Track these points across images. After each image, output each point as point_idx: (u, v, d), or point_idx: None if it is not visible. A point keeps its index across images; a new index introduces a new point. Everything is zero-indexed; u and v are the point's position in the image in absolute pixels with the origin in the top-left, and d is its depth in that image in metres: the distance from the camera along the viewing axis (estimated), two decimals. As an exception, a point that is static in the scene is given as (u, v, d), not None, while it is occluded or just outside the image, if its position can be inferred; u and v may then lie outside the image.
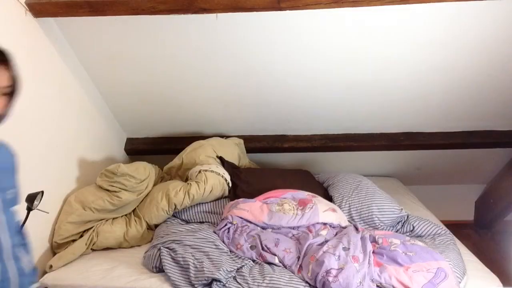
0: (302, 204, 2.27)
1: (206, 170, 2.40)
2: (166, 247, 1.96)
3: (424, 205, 2.71)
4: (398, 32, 2.01)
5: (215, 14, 1.85)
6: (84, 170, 2.38)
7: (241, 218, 2.16)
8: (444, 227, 2.29)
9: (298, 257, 1.92)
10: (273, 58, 2.22)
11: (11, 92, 1.08)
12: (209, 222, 2.33)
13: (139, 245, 2.20)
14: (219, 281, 1.76)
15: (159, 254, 1.92)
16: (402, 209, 2.37)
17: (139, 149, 2.97)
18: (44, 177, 2.01)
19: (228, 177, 2.48)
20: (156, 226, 2.29)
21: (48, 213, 1.96)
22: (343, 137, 2.89)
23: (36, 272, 1.35)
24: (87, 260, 2.05)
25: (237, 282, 1.78)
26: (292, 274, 1.85)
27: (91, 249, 2.13)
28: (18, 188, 1.25)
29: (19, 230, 1.22)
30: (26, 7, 1.86)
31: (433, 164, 3.09)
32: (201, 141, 2.68)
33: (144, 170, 2.40)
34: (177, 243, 1.98)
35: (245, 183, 2.52)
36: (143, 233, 2.23)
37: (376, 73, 2.29)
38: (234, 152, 2.75)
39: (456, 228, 2.50)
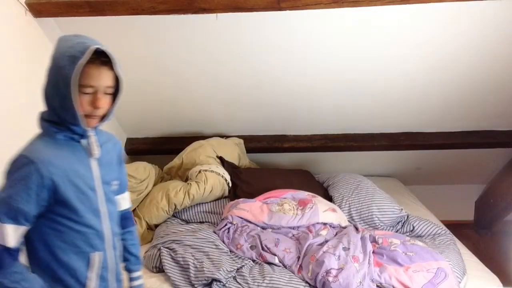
0: (302, 204, 2.27)
1: (206, 170, 2.40)
2: (166, 247, 1.96)
3: (424, 205, 2.71)
4: (398, 32, 2.01)
5: (215, 14, 1.85)
6: (84, 170, 2.37)
7: (241, 218, 2.16)
8: (444, 227, 2.29)
9: (298, 257, 1.92)
10: (273, 58, 2.22)
11: (114, 92, 1.11)
12: (209, 222, 2.33)
13: (139, 245, 2.20)
14: (219, 281, 1.76)
15: (159, 254, 1.92)
16: (402, 209, 2.38)
17: (139, 149, 2.97)
18: (44, 177, 2.01)
19: (228, 177, 2.48)
20: (156, 226, 2.29)
21: (48, 213, 1.96)
22: (343, 137, 2.89)
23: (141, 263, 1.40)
24: (87, 260, 2.04)
25: (237, 282, 1.78)
26: (292, 274, 1.85)
27: (91, 249, 2.13)
28: (123, 178, 1.32)
29: (118, 220, 1.27)
30: (26, 7, 1.86)
31: (433, 164, 3.09)
32: (201, 141, 2.68)
33: (144, 170, 2.40)
34: (177, 243, 1.98)
35: (245, 183, 2.52)
36: (143, 233, 2.23)
37: (376, 73, 2.29)
38: (234, 152, 2.75)
39: (456, 228, 2.51)
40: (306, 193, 2.40)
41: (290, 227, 2.16)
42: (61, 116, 1.06)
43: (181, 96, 2.57)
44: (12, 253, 1.01)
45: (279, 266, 1.90)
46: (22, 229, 1.02)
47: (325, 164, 3.10)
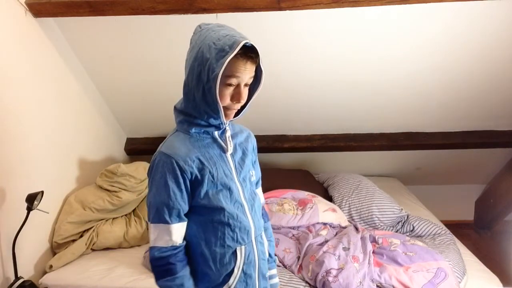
0: (302, 204, 2.27)
1: (206, 170, 2.40)
2: (166, 247, 1.95)
3: (424, 205, 2.71)
4: (398, 32, 2.01)
5: (215, 14, 1.85)
6: (84, 170, 2.38)
7: (241, 218, 2.16)
8: (444, 227, 2.29)
9: (298, 257, 1.92)
10: (273, 58, 2.22)
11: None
12: (209, 222, 2.33)
13: (139, 245, 2.21)
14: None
15: (159, 254, 1.92)
16: (402, 209, 2.38)
17: (139, 149, 2.97)
18: (44, 177, 2.01)
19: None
20: (156, 226, 2.29)
21: (48, 213, 1.96)
22: (343, 137, 2.89)
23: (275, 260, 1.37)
24: (87, 260, 2.05)
25: (237, 282, 1.78)
26: (292, 274, 1.85)
27: (91, 249, 2.13)
28: (258, 172, 1.28)
29: (261, 214, 1.26)
30: (26, 7, 1.86)
31: (433, 164, 3.09)
32: (201, 141, 2.68)
33: (144, 170, 2.40)
34: (177, 243, 1.97)
35: (245, 183, 2.51)
36: (143, 233, 2.23)
37: (376, 73, 2.29)
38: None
39: (456, 228, 2.51)
40: (306, 193, 2.40)
41: (290, 227, 2.16)
42: (200, 108, 1.03)
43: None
44: (179, 253, 1.06)
45: (279, 266, 1.90)
46: (184, 224, 1.06)
47: (325, 164, 3.10)
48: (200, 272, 1.11)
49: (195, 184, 1.05)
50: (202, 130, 1.08)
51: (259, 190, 1.31)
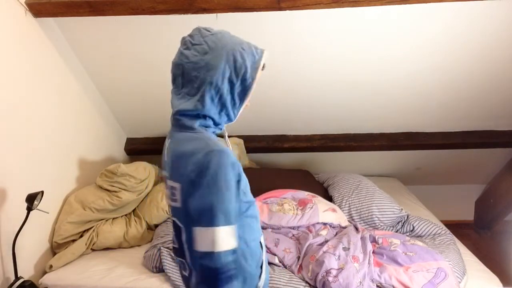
0: (302, 204, 2.27)
1: (206, 170, 2.40)
2: (166, 247, 1.96)
3: (424, 205, 2.71)
4: (398, 32, 2.01)
5: (215, 14, 1.85)
6: (84, 170, 2.38)
7: (241, 218, 2.16)
8: (444, 227, 2.29)
9: (298, 257, 1.92)
10: (273, 58, 2.21)
11: None
12: (209, 222, 2.33)
13: (139, 245, 2.21)
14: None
15: (159, 254, 1.92)
16: (402, 209, 2.38)
17: (139, 149, 2.97)
18: (44, 177, 2.01)
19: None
20: (156, 226, 2.29)
21: (48, 213, 1.96)
22: (343, 137, 2.89)
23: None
24: (87, 260, 2.05)
25: (237, 282, 1.78)
26: (292, 274, 1.85)
27: (91, 249, 2.13)
28: None
29: None
30: (26, 7, 1.86)
31: (433, 164, 3.09)
32: (201, 141, 2.68)
33: (144, 170, 2.40)
34: (177, 243, 1.97)
35: (245, 183, 2.51)
36: (143, 233, 2.23)
37: (376, 73, 2.29)
38: (234, 152, 2.75)
39: (456, 228, 2.51)
40: (306, 193, 2.40)
41: (290, 227, 2.16)
42: (222, 109, 1.06)
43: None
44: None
45: (279, 266, 1.90)
46: None
47: (325, 164, 3.10)
48: (242, 273, 1.05)
49: (238, 182, 1.03)
50: (212, 131, 1.11)
51: None
